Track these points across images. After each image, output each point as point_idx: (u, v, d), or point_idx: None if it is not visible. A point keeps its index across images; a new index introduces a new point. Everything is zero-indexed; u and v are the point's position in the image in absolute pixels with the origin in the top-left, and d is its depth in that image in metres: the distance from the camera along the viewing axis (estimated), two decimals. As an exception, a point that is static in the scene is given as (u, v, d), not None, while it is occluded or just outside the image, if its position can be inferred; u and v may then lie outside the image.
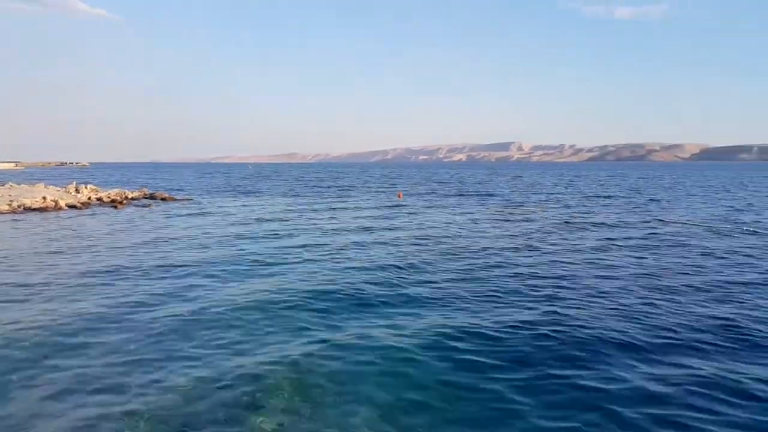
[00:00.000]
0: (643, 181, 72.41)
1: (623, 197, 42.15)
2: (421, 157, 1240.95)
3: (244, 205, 35.30)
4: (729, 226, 23.28)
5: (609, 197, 42.37)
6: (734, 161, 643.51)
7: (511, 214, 29.35)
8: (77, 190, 37.56)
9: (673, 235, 20.64)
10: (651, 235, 20.52)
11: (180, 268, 14.55)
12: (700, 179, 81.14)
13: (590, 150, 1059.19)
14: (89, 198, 34.87)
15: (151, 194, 40.23)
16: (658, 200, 38.94)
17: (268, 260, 15.70)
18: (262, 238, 20.32)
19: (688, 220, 25.72)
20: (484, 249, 17.53)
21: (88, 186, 39.94)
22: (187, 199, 39.68)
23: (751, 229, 22.48)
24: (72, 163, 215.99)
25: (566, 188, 56.56)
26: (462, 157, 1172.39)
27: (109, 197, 35.73)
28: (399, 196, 42.08)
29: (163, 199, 38.20)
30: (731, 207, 32.85)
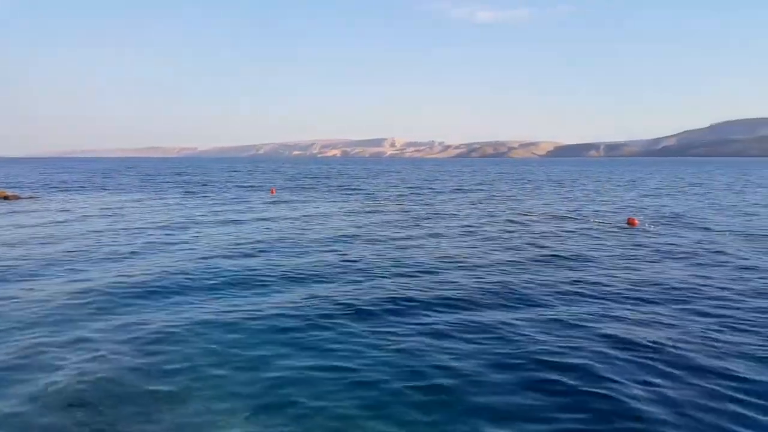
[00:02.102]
0: (497, 175, 77.70)
1: (475, 191, 45.27)
2: (294, 153, 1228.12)
3: (98, 201, 33.41)
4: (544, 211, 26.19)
5: (462, 190, 45.49)
6: (584, 157, 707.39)
7: (371, 207, 30.41)
8: None
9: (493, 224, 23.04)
10: (473, 225, 22.68)
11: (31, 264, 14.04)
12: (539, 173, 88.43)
13: (458, 147, 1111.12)
14: None
15: (-13, 192, 36.58)
16: (496, 193, 42.42)
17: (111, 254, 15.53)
18: (110, 231, 19.94)
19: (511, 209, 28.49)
20: (329, 238, 18.57)
21: None
22: (32, 198, 36.69)
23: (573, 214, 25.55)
24: None
25: (429, 182, 59.25)
26: (336, 152, 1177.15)
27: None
28: (272, 192, 42.01)
29: (5, 198, 34.97)
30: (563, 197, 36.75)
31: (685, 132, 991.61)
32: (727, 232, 20.03)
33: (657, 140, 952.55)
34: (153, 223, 22.76)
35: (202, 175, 76.49)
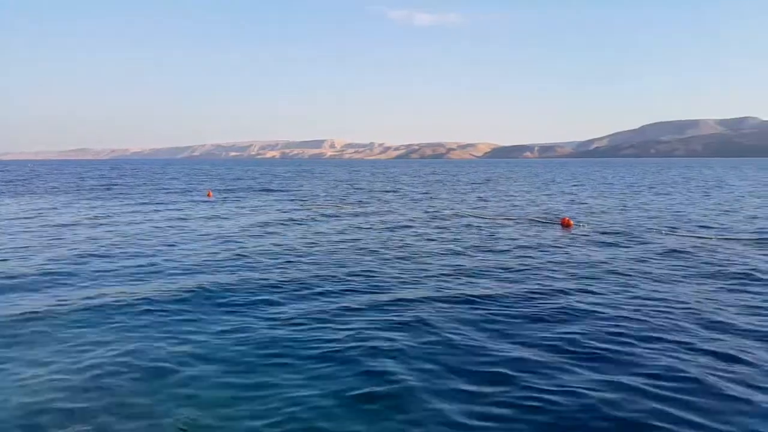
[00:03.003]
0: (433, 176, 77.22)
1: (405, 191, 43.92)
2: (232, 154, 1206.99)
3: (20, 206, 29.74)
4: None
5: (394, 191, 44.09)
6: (519, 158, 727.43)
7: (301, 208, 28.65)
8: None
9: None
10: (387, 221, 21.11)
11: None
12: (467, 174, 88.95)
13: (398, 148, 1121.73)
14: None
15: None
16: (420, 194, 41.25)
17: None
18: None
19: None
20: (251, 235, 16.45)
21: None
22: None
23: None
24: None
25: (368, 182, 57.67)
26: (275, 154, 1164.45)
27: None
28: (208, 195, 39.70)
29: None
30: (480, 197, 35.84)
31: (616, 133, 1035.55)
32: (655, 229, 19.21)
33: (589, 141, 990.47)
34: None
35: (128, 177, 71.89)
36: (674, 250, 15.95)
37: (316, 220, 24.22)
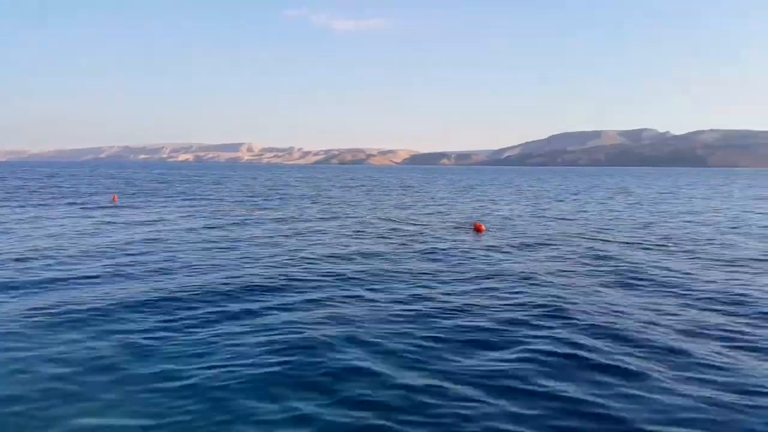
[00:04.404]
0: (351, 182, 77.35)
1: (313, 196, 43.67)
2: (141, 157, 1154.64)
3: None
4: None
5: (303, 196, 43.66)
6: (437, 165, 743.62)
7: (218, 213, 27.57)
8: None
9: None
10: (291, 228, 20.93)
11: None
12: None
13: (317, 153, 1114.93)
14: None
15: None
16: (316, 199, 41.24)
17: None
18: None
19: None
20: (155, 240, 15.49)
21: None
22: None
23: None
24: None
25: (285, 187, 56.72)
26: (189, 157, 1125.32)
27: None
28: (113, 199, 37.50)
29: None
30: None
31: (526, 143, 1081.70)
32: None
33: (502, 150, 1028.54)
34: None
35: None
36: (582, 254, 16.83)
37: (218, 227, 23.46)
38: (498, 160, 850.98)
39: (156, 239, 18.97)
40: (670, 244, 19.06)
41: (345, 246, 18.19)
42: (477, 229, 22.68)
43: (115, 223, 24.13)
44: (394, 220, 26.87)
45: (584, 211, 33.35)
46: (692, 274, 13.85)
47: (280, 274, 13.21)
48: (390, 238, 20.43)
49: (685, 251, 17.60)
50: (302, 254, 16.23)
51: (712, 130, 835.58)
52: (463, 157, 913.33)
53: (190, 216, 27.65)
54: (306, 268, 14.07)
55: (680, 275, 13.68)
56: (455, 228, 23.78)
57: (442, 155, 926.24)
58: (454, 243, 19.06)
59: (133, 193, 45.86)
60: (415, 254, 16.68)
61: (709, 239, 20.58)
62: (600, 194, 54.08)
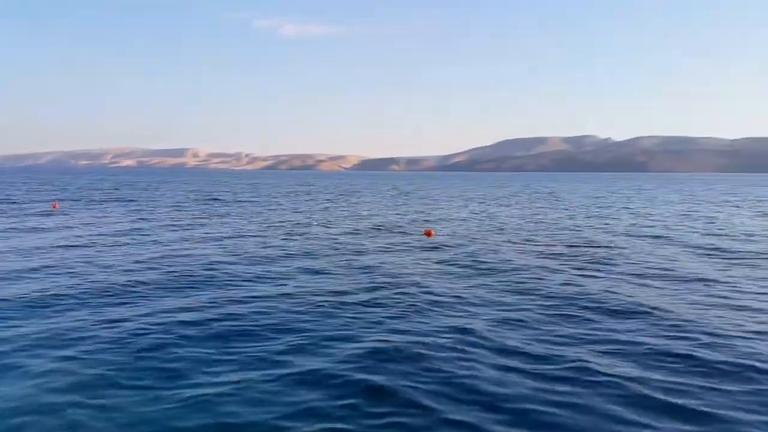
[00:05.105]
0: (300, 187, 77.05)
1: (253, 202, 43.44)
2: (82, 162, 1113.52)
3: None
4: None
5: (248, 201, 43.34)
6: (387, 170, 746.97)
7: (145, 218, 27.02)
8: None
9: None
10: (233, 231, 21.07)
11: None
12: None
13: (266, 159, 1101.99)
14: None
15: None
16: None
17: None
18: None
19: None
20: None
21: None
22: None
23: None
24: None
25: (228, 193, 55.90)
26: (132, 162, 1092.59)
27: None
28: (55, 206, 36.23)
29: None
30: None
31: (474, 148, 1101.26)
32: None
33: (450, 156, 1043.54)
34: None
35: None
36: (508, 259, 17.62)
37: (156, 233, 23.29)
38: (447, 165, 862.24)
39: (79, 245, 18.71)
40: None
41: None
42: (427, 235, 23.21)
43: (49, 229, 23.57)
44: (338, 226, 27.08)
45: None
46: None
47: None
48: (333, 243, 20.72)
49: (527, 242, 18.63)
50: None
51: (651, 137, 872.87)
52: (412, 163, 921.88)
53: (119, 221, 27.38)
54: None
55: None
56: (407, 234, 24.02)
57: (392, 161, 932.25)
58: (401, 248, 19.55)
59: (76, 199, 44.54)
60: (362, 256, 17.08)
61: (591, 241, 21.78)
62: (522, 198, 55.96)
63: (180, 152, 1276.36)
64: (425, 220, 30.47)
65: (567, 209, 40.68)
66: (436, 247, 19.63)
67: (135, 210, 35.39)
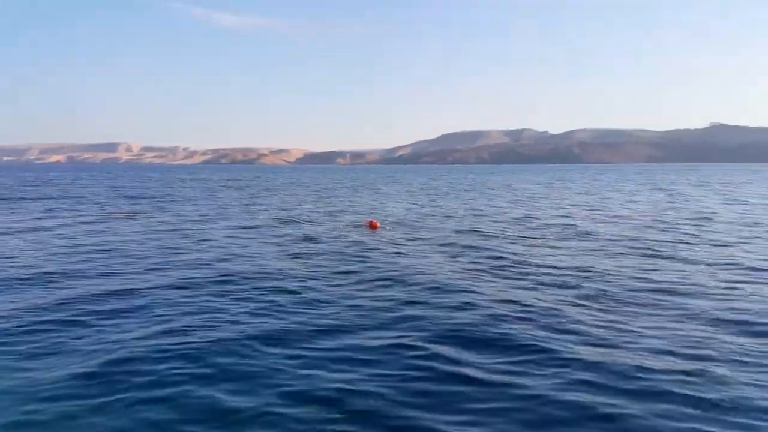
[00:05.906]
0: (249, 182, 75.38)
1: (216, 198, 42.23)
2: (5, 159, 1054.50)
3: None
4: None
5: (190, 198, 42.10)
6: (332, 164, 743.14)
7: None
8: None
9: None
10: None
11: None
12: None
13: (205, 153, 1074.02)
14: None
15: None
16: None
17: None
18: None
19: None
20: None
21: None
22: None
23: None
24: None
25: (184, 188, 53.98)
26: (60, 158, 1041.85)
27: None
28: None
29: None
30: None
31: (418, 142, 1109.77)
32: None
33: (395, 149, 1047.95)
34: None
35: None
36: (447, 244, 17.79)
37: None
38: (391, 159, 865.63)
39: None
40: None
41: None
42: (372, 227, 23.08)
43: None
44: (289, 220, 26.63)
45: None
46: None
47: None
48: (284, 236, 20.33)
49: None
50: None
51: (585, 129, 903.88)
52: (357, 156, 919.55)
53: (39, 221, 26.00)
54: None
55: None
56: (352, 227, 23.65)
57: (338, 154, 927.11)
58: (348, 241, 19.36)
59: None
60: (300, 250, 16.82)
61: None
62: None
63: (112, 147, 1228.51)
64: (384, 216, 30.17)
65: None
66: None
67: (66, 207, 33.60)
